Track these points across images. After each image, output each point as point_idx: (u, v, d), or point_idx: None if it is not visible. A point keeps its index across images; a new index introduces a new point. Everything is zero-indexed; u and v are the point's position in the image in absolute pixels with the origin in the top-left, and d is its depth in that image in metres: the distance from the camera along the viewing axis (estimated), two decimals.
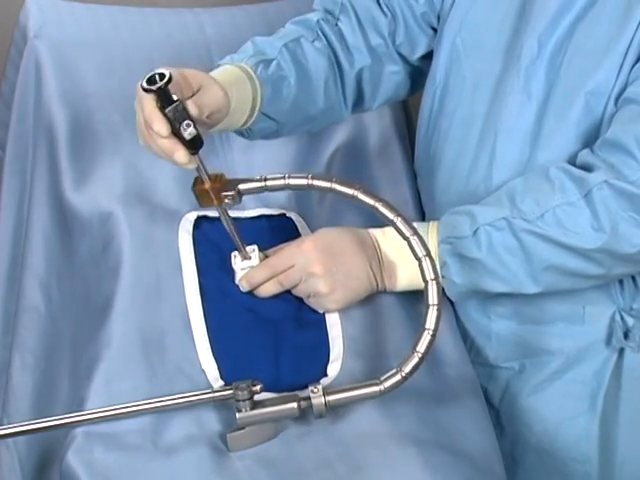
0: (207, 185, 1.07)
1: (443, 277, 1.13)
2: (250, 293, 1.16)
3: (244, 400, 1.00)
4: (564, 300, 1.22)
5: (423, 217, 1.34)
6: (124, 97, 1.28)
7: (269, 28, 1.40)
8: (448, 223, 1.15)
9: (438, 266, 1.10)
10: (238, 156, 1.32)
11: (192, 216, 1.22)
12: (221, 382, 1.06)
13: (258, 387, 1.00)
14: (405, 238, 1.04)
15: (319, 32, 1.27)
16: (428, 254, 1.04)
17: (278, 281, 1.15)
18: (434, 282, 1.03)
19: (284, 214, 1.27)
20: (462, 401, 1.14)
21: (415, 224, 1.16)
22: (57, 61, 1.28)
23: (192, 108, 1.01)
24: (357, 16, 1.28)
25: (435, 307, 1.02)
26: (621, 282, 1.21)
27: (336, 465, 1.01)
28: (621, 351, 1.23)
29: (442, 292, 1.05)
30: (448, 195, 1.26)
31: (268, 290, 1.16)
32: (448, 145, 1.26)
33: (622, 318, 1.22)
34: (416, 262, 1.05)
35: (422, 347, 1.02)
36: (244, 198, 1.26)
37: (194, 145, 1.02)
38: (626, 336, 1.22)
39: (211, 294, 1.15)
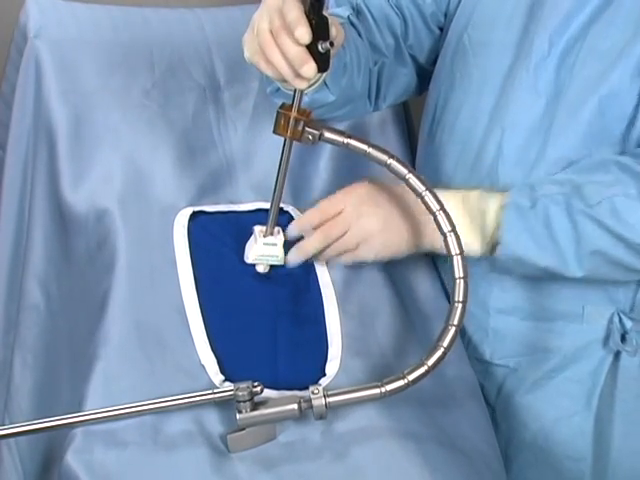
0: (294, 113, 1.06)
1: (498, 243, 1.15)
2: (246, 287, 1.16)
3: (244, 401, 1.00)
4: (564, 299, 1.23)
5: None
6: (124, 96, 1.29)
7: None
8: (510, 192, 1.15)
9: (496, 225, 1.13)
10: (237, 148, 1.32)
11: (188, 211, 1.22)
12: (221, 376, 1.06)
13: (259, 388, 1.01)
14: (432, 212, 1.08)
15: (352, 25, 1.27)
16: (453, 229, 1.07)
17: (327, 230, 1.15)
18: (459, 256, 1.06)
19: (282, 208, 1.27)
20: (461, 400, 1.15)
21: (477, 192, 1.17)
22: (57, 61, 1.28)
23: (333, 29, 1.02)
24: (372, 15, 1.28)
25: (462, 280, 1.06)
26: (622, 283, 1.22)
27: (336, 464, 1.02)
28: (617, 353, 1.24)
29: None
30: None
31: (312, 245, 1.16)
32: (453, 139, 1.26)
33: (620, 320, 1.22)
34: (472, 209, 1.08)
35: (455, 319, 1.06)
36: (240, 190, 1.28)
37: (324, 64, 1.01)
38: (623, 338, 1.22)
39: (207, 288, 1.15)
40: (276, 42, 1.00)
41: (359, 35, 1.27)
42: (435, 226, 1.09)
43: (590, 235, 1.11)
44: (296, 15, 0.98)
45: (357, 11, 1.29)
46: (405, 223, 1.18)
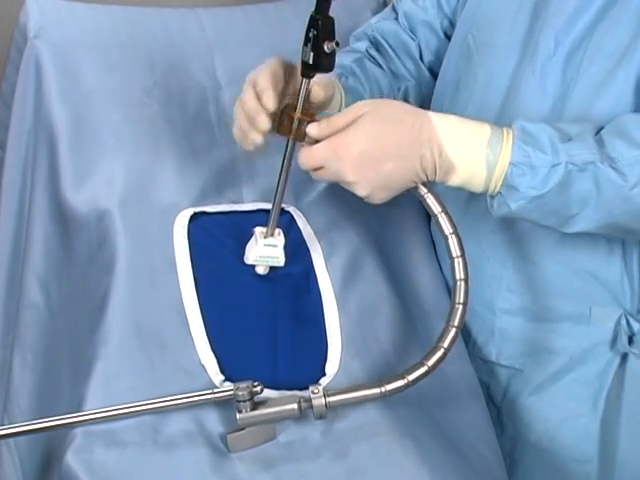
0: (297, 114, 1.06)
1: (499, 194, 1.05)
2: (246, 287, 1.16)
3: (244, 401, 1.00)
4: (571, 300, 1.22)
5: (428, 221, 1.36)
6: (124, 97, 1.29)
7: (269, 28, 1.41)
8: (524, 148, 1.05)
9: (501, 182, 1.04)
10: (238, 148, 1.30)
11: (188, 212, 1.22)
12: (221, 376, 1.06)
13: (259, 388, 1.01)
14: (434, 215, 1.07)
15: (370, 58, 1.31)
16: (455, 231, 1.06)
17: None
18: (460, 259, 1.05)
19: (282, 208, 1.27)
20: (461, 400, 1.15)
21: (489, 132, 1.06)
22: (57, 61, 1.28)
23: (315, 87, 1.06)
24: (390, 45, 1.32)
25: (463, 282, 1.05)
26: (630, 285, 1.21)
27: (336, 464, 1.02)
28: (625, 355, 1.23)
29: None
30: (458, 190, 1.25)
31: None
32: None
33: (628, 322, 1.21)
34: (476, 163, 1.02)
35: (456, 321, 1.04)
36: (242, 190, 1.28)
37: (329, 64, 1.03)
38: (630, 340, 1.21)
39: (207, 289, 1.15)
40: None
41: (380, 66, 1.30)
42: (446, 171, 1.04)
43: (616, 212, 1.04)
44: (261, 88, 1.06)
45: (375, 43, 1.33)
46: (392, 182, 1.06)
